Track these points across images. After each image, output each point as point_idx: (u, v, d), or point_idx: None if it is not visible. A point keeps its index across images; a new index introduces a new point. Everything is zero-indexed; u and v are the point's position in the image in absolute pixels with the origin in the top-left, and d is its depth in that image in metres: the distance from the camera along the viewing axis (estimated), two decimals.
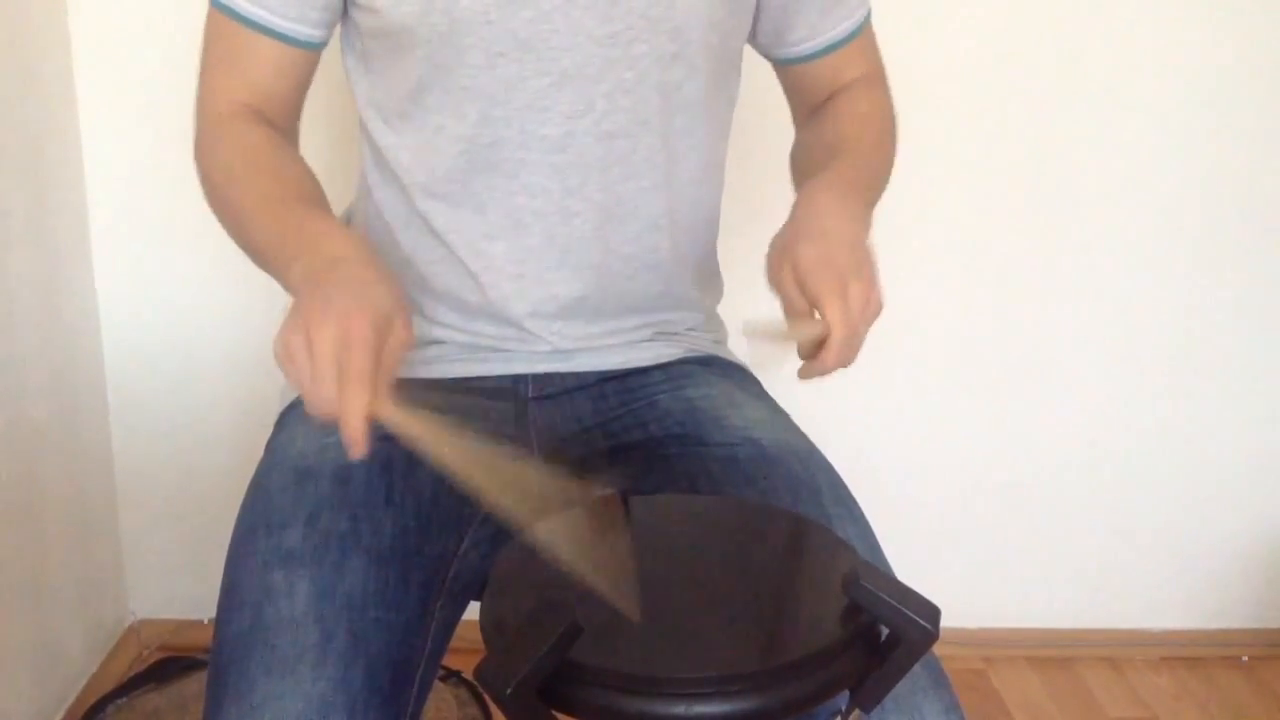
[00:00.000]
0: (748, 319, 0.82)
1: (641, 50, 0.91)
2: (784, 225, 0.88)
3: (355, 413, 0.70)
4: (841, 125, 1.03)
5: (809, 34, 1.03)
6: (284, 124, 0.98)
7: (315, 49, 0.96)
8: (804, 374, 0.84)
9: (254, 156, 0.93)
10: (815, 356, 0.82)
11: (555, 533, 0.72)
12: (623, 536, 0.75)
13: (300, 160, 0.96)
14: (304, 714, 0.75)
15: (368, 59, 0.97)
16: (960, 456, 1.85)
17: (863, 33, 1.05)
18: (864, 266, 0.83)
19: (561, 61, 0.90)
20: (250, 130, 0.94)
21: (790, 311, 0.84)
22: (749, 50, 1.06)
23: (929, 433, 1.84)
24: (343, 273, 0.77)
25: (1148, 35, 1.66)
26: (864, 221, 0.91)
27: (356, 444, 0.70)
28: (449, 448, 0.73)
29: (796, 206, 0.90)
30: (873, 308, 0.83)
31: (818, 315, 0.82)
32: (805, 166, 1.05)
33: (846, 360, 0.82)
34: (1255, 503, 1.90)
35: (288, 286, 0.81)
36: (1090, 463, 1.86)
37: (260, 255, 0.88)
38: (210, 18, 0.95)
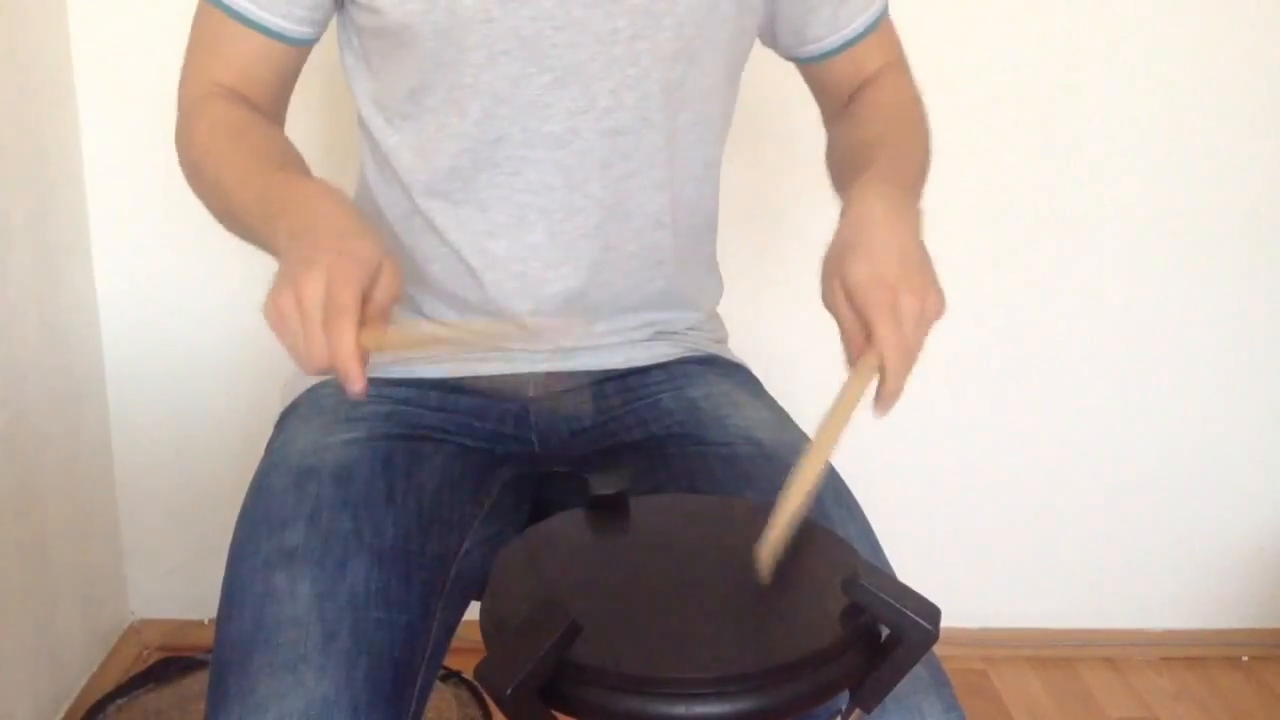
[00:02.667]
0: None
1: (644, 47, 0.91)
2: (833, 238, 0.87)
3: (346, 347, 0.69)
4: (873, 123, 1.02)
5: (829, 29, 1.03)
6: (267, 111, 0.97)
7: (300, 45, 0.95)
8: (878, 412, 0.84)
9: (231, 128, 0.92)
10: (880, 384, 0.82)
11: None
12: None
13: (280, 131, 0.96)
14: (306, 714, 0.75)
15: (368, 58, 0.97)
16: (961, 457, 1.85)
17: (881, 25, 1.05)
18: (914, 275, 0.82)
19: (564, 58, 0.90)
20: (227, 105, 0.94)
21: (847, 336, 0.84)
22: (759, 53, 1.06)
23: (930, 433, 1.84)
24: (325, 228, 0.76)
25: (1152, 37, 1.66)
26: (913, 220, 0.89)
27: (353, 380, 0.70)
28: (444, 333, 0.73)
29: (843, 216, 0.88)
30: (930, 312, 0.81)
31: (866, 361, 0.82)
32: (844, 169, 1.03)
33: (903, 383, 0.82)
34: (1255, 503, 1.90)
35: (272, 246, 0.81)
36: (1091, 463, 1.86)
37: (243, 224, 0.87)
38: (198, 10, 0.95)
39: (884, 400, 0.82)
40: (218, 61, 0.95)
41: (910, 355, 0.81)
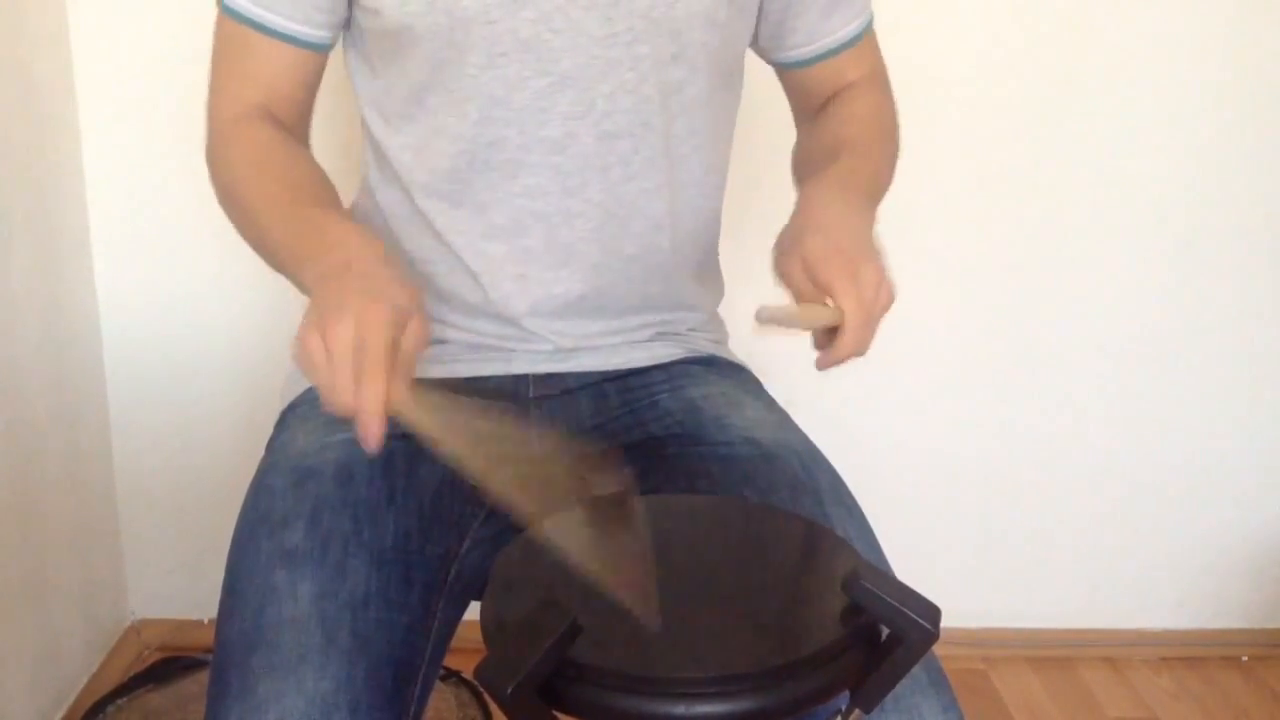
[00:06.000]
0: (760, 307, 0.81)
1: (642, 51, 0.91)
2: (787, 224, 0.88)
3: (372, 407, 0.70)
4: (841, 128, 1.03)
5: (808, 38, 1.03)
6: (294, 125, 0.98)
7: (321, 50, 0.96)
8: (821, 364, 0.83)
9: (264, 157, 0.93)
10: (829, 344, 0.82)
11: (564, 532, 0.72)
12: (635, 534, 0.75)
13: (311, 159, 0.97)
14: (307, 714, 0.75)
15: (370, 59, 0.97)
16: (960, 457, 1.85)
17: (863, 38, 1.05)
18: (873, 254, 0.83)
19: (562, 62, 0.90)
20: (260, 131, 0.94)
21: (802, 300, 0.83)
22: (749, 51, 1.06)
23: (929, 433, 1.84)
24: (357, 272, 0.77)
25: (1149, 38, 1.66)
26: (868, 216, 0.91)
27: (372, 438, 0.71)
28: (462, 443, 0.73)
29: (799, 204, 0.90)
30: (885, 295, 0.81)
31: (830, 304, 0.81)
32: (805, 168, 1.04)
33: (862, 346, 0.81)
34: (1255, 503, 1.90)
35: (302, 287, 0.82)
36: (1090, 463, 1.86)
37: (274, 256, 0.89)
38: (218, 21, 0.96)
39: (828, 359, 0.82)
40: (244, 77, 0.95)
41: (871, 323, 0.81)
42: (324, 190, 0.92)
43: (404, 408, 0.72)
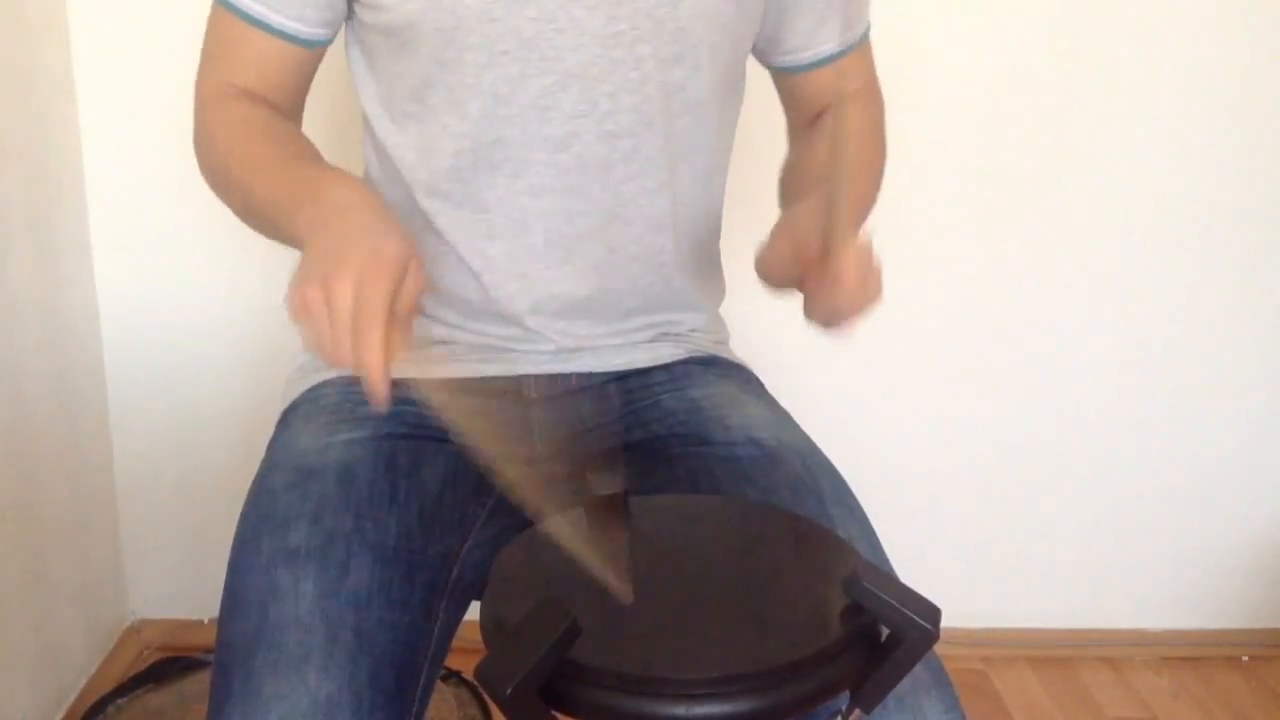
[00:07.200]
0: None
1: (645, 50, 0.91)
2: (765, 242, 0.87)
3: (375, 361, 0.70)
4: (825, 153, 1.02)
5: (803, 44, 1.03)
6: (285, 113, 0.98)
7: (314, 47, 0.96)
8: (836, 330, 0.83)
9: (251, 126, 0.93)
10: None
11: (559, 527, 0.73)
12: (622, 533, 0.75)
13: (296, 127, 0.96)
14: (309, 713, 0.75)
15: (372, 56, 0.97)
16: (961, 457, 1.85)
17: (860, 48, 1.05)
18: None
19: (565, 60, 0.90)
20: (245, 105, 0.94)
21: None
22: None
23: (930, 433, 1.84)
24: (353, 221, 0.77)
25: (1151, 36, 1.66)
26: None
27: (378, 391, 0.71)
28: (471, 424, 0.75)
29: (779, 225, 0.88)
30: (874, 280, 0.80)
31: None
32: (789, 193, 1.04)
33: (866, 282, 0.79)
34: (1255, 503, 1.90)
35: (294, 238, 0.81)
36: (1091, 463, 1.86)
37: (266, 217, 0.88)
38: (212, 11, 0.96)
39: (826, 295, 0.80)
40: (234, 65, 0.95)
41: (870, 277, 0.79)
42: (309, 148, 0.92)
43: (403, 360, 0.73)
